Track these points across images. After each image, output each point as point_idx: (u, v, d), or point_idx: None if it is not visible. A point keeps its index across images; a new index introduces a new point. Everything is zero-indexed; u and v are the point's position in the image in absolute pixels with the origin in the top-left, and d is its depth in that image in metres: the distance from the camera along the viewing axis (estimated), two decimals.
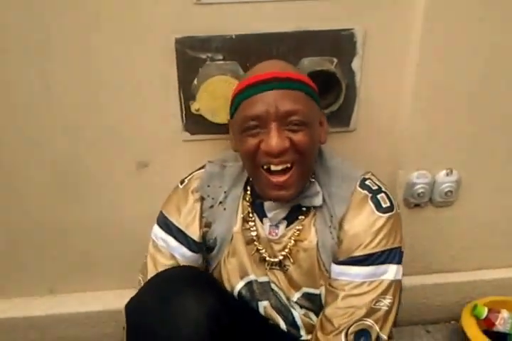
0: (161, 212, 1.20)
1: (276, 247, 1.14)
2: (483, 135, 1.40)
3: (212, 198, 1.16)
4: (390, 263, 1.07)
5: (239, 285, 1.17)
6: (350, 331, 1.04)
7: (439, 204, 1.49)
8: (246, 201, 1.16)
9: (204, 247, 1.18)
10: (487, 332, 1.48)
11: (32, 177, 1.39)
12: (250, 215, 1.15)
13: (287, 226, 1.13)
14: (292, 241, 1.12)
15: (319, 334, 1.07)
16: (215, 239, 1.16)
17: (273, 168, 1.01)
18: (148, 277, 1.14)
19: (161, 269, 1.13)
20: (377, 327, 1.05)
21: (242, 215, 1.15)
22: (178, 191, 1.19)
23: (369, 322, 1.05)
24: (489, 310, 1.50)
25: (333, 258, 1.09)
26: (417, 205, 1.48)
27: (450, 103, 1.34)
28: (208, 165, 1.19)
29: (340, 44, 1.24)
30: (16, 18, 1.19)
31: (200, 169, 1.21)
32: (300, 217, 1.12)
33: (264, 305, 1.17)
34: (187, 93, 1.26)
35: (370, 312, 1.05)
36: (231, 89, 1.14)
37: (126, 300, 1.55)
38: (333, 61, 1.24)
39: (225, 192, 1.15)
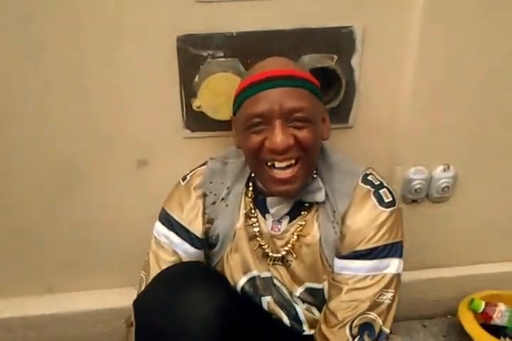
0: (163, 209, 1.20)
1: (279, 243, 1.14)
2: (480, 132, 1.42)
3: (215, 194, 1.17)
4: (393, 257, 1.09)
5: (242, 281, 1.17)
6: (354, 324, 1.06)
7: (436, 200, 1.50)
8: (248, 197, 1.16)
9: (206, 243, 1.19)
10: (484, 326, 1.50)
11: (30, 176, 1.39)
12: (253, 211, 1.15)
13: (290, 221, 1.13)
14: (295, 237, 1.13)
15: (323, 327, 1.08)
16: (218, 236, 1.17)
17: (277, 164, 1.02)
18: (151, 273, 1.15)
19: (163, 266, 1.13)
20: (380, 321, 1.07)
21: (244, 211, 1.16)
22: (180, 187, 1.20)
23: (372, 315, 1.07)
24: (486, 304, 1.52)
25: (336, 253, 1.11)
26: (414, 201, 1.49)
27: (448, 100, 1.36)
28: (209, 161, 1.19)
29: (339, 41, 1.26)
30: (15, 15, 1.18)
31: (201, 166, 1.21)
32: (303, 213, 1.13)
33: (267, 301, 1.18)
34: (188, 90, 1.27)
35: (374, 306, 1.06)
36: (232, 86, 1.15)
37: (125, 298, 1.56)
38: (333, 58, 1.25)
39: (227, 188, 1.16)
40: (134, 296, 1.42)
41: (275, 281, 1.17)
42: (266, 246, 1.15)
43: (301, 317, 1.18)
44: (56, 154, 1.36)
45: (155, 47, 1.23)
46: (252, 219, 1.15)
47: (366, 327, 1.06)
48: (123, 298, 1.57)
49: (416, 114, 1.37)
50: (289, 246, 1.13)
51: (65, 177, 1.40)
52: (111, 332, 1.60)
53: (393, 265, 1.08)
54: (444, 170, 1.44)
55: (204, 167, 1.20)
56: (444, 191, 1.47)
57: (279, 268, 1.16)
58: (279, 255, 1.14)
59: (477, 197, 1.53)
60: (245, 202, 1.16)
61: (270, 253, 1.15)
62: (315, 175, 1.11)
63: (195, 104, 1.22)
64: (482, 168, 1.48)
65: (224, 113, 1.22)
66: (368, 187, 1.10)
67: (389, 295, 1.08)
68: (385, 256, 1.08)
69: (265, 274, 1.17)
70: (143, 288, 1.18)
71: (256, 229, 1.15)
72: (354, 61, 1.28)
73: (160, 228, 1.19)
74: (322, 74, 1.19)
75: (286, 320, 1.18)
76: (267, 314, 1.18)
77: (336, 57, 1.25)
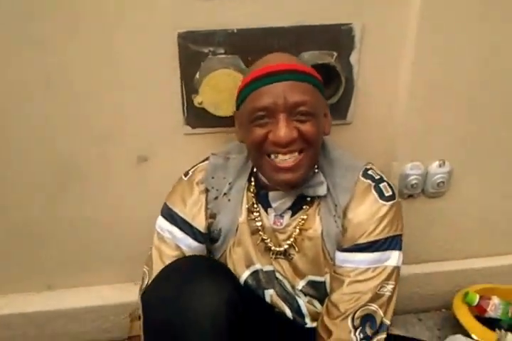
0: (165, 204, 1.21)
1: (281, 236, 1.16)
2: (475, 129, 1.45)
3: (217, 190, 1.18)
4: (393, 249, 1.11)
5: (245, 275, 1.19)
6: (356, 316, 1.08)
7: (431, 195, 1.53)
8: (250, 192, 1.17)
9: (208, 238, 1.20)
10: (479, 318, 1.53)
11: (30, 173, 1.39)
12: (255, 206, 1.17)
13: (292, 216, 1.15)
14: (297, 231, 1.14)
15: (326, 319, 1.10)
16: (220, 230, 1.18)
17: (281, 157, 1.03)
18: (154, 268, 1.16)
19: (166, 260, 1.14)
20: (381, 312, 1.09)
21: (246, 206, 1.17)
22: (183, 183, 1.21)
23: (374, 307, 1.09)
24: (480, 297, 1.55)
25: (338, 246, 1.12)
26: (410, 196, 1.52)
27: (444, 98, 1.38)
28: (211, 157, 1.20)
29: (338, 38, 1.27)
30: (15, 14, 1.19)
31: (203, 161, 1.22)
32: (305, 207, 1.14)
33: (270, 294, 1.19)
34: (189, 87, 1.28)
35: (375, 298, 1.09)
36: (234, 83, 1.17)
37: (125, 294, 1.59)
38: (333, 55, 1.27)
39: (229, 183, 1.17)
40: (134, 292, 1.44)
41: (277, 275, 1.18)
42: (268, 240, 1.16)
43: (304, 310, 1.19)
44: (56, 151, 1.37)
45: (156, 43, 1.24)
46: (255, 214, 1.17)
47: (368, 318, 1.09)
48: (122, 294, 1.58)
49: (412, 110, 1.39)
50: (292, 239, 1.15)
51: (65, 174, 1.40)
52: (110, 328, 1.61)
53: (393, 257, 1.11)
54: (440, 166, 1.47)
55: (206, 162, 1.21)
56: (439, 186, 1.49)
57: (281, 262, 1.18)
58: (281, 249, 1.16)
59: (471, 193, 1.56)
60: (247, 196, 1.18)
61: (272, 247, 1.16)
62: (316, 170, 1.12)
63: (197, 100, 1.24)
64: (477, 164, 1.51)
65: (225, 109, 1.23)
66: (369, 181, 1.12)
67: (389, 287, 1.10)
68: (386, 249, 1.10)
69: (268, 268, 1.18)
70: (146, 282, 1.19)
71: (258, 224, 1.16)
72: (353, 58, 1.30)
73: (163, 223, 1.20)
74: (322, 70, 1.20)
75: (288, 312, 1.19)
76: (269, 307, 1.20)
77: (335, 54, 1.27)
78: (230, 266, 1.19)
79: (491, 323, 1.52)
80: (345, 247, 1.11)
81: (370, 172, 1.14)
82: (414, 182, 1.47)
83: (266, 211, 1.17)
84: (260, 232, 1.17)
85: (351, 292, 1.09)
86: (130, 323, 1.23)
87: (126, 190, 1.45)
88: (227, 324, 0.95)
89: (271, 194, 1.15)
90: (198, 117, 1.32)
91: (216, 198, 1.18)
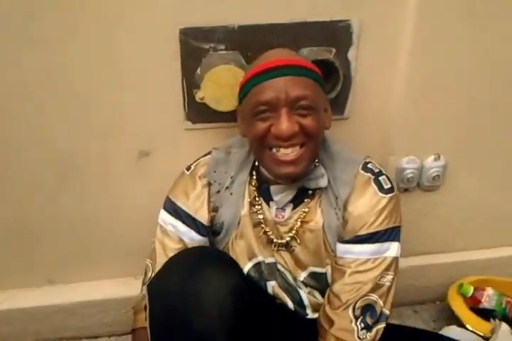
0: (168, 198, 1.23)
1: (283, 229, 1.18)
2: (469, 123, 1.48)
3: (219, 183, 1.20)
4: (392, 241, 1.13)
5: (247, 267, 1.21)
6: (357, 306, 1.11)
7: (427, 189, 1.56)
8: (252, 186, 1.19)
9: (211, 231, 1.22)
10: (473, 310, 1.56)
11: (31, 167, 1.40)
12: (257, 199, 1.19)
13: (293, 208, 1.17)
14: (299, 223, 1.16)
15: (327, 309, 1.13)
16: (222, 223, 1.20)
17: (283, 150, 1.05)
18: (158, 261, 1.18)
19: (170, 253, 1.15)
20: (381, 302, 1.12)
21: (248, 199, 1.19)
22: (185, 177, 1.22)
23: (374, 297, 1.11)
24: (475, 289, 1.58)
25: (339, 238, 1.15)
26: (406, 190, 1.55)
27: (439, 93, 1.41)
28: (213, 151, 1.22)
29: (337, 35, 1.30)
30: (15, 11, 1.19)
31: (205, 156, 1.24)
32: (306, 200, 1.16)
33: (272, 285, 1.21)
34: (190, 82, 1.29)
35: (375, 288, 1.11)
36: (235, 78, 1.19)
37: (125, 288, 1.60)
38: (332, 51, 1.29)
39: (231, 177, 1.19)
40: (134, 286, 1.46)
41: (279, 267, 1.21)
42: (270, 233, 1.19)
43: (305, 301, 1.22)
44: (57, 147, 1.37)
45: (158, 40, 1.25)
46: (256, 207, 1.19)
47: (368, 308, 1.11)
48: (123, 289, 1.59)
49: (408, 106, 1.42)
50: (293, 232, 1.17)
51: (66, 169, 1.41)
52: (111, 322, 1.62)
53: (393, 248, 1.13)
54: (435, 160, 1.50)
55: (208, 156, 1.22)
56: (434, 180, 1.52)
57: (283, 254, 1.20)
58: (283, 241, 1.18)
59: (466, 186, 1.59)
60: (249, 190, 1.20)
61: (274, 240, 1.19)
62: (317, 164, 1.15)
63: (199, 95, 1.25)
64: (471, 158, 1.54)
65: (226, 104, 1.25)
66: (369, 174, 1.14)
67: (389, 277, 1.13)
68: (385, 240, 1.12)
69: (269, 260, 1.21)
70: (149, 275, 1.21)
71: (260, 217, 1.19)
72: (351, 54, 1.32)
73: (166, 217, 1.21)
74: (320, 66, 1.22)
75: (290, 304, 1.22)
76: (271, 299, 1.22)
77: (334, 50, 1.29)
78: (233, 258, 1.21)
79: (485, 314, 1.55)
80: (346, 239, 1.13)
81: (369, 165, 1.16)
82: (410, 175, 1.50)
83: (268, 204, 1.19)
84: (262, 225, 1.19)
85: (352, 282, 1.11)
86: (134, 316, 1.23)
87: (126, 186, 1.46)
88: (234, 312, 0.96)
89: (272, 187, 1.17)
90: (198, 112, 1.33)
91: (218, 192, 1.20)
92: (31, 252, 1.53)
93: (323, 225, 1.15)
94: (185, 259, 1.04)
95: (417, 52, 1.34)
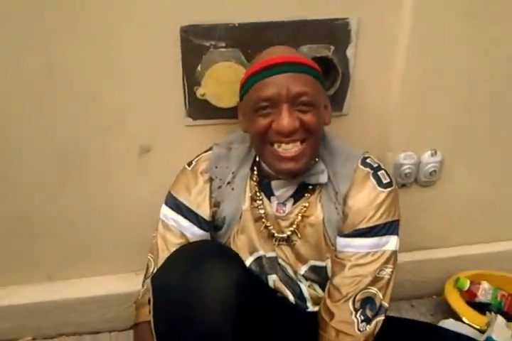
0: (169, 194, 1.24)
1: (284, 223, 1.20)
2: (465, 119, 1.50)
3: (220, 179, 1.21)
4: (391, 234, 1.16)
5: (248, 261, 1.22)
6: (357, 298, 1.13)
7: (423, 184, 1.58)
8: (253, 181, 1.21)
9: (213, 226, 1.23)
10: (469, 303, 1.58)
11: (32, 163, 1.40)
12: (258, 194, 1.20)
13: (294, 203, 1.19)
14: (299, 218, 1.18)
15: (328, 301, 1.15)
16: (224, 218, 1.22)
17: (284, 146, 1.07)
18: (160, 256, 1.19)
19: (172, 248, 1.16)
20: (380, 295, 1.14)
21: (250, 194, 1.21)
22: (187, 172, 1.24)
23: (373, 290, 1.14)
24: (471, 283, 1.61)
25: (338, 232, 1.17)
26: (403, 185, 1.57)
27: (436, 90, 1.43)
28: (214, 147, 1.23)
29: (335, 32, 1.31)
30: (14, 9, 1.20)
31: (206, 151, 1.25)
32: (306, 195, 1.18)
33: (273, 279, 1.23)
34: (191, 79, 1.31)
35: (375, 281, 1.13)
36: (235, 75, 1.21)
37: (126, 284, 1.61)
38: (330, 48, 1.31)
39: (232, 172, 1.21)
40: (135, 282, 1.47)
41: (280, 261, 1.22)
42: (271, 227, 1.20)
43: (305, 294, 1.24)
44: (57, 142, 1.38)
45: (159, 37, 1.27)
46: (258, 202, 1.20)
47: (368, 301, 1.13)
48: (123, 284, 1.60)
49: (405, 102, 1.44)
50: (294, 226, 1.19)
51: (67, 165, 1.42)
52: (112, 318, 1.63)
53: (392, 242, 1.16)
54: (432, 156, 1.52)
55: (209, 152, 1.24)
56: (431, 175, 1.54)
57: (283, 248, 1.22)
58: (284, 235, 1.20)
59: (462, 182, 1.61)
60: (250, 185, 1.21)
61: (275, 234, 1.20)
62: (317, 159, 1.16)
63: (199, 92, 1.27)
64: (467, 154, 1.56)
65: (226, 101, 1.27)
66: (368, 169, 1.16)
67: (388, 270, 1.15)
68: (384, 234, 1.15)
69: (270, 254, 1.22)
70: (151, 270, 1.22)
71: (261, 211, 1.20)
72: (349, 51, 1.34)
73: (167, 212, 1.23)
74: (319, 63, 1.24)
75: (291, 297, 1.23)
76: (272, 292, 1.24)
77: (332, 47, 1.31)
78: None
79: (481, 308, 1.57)
80: (345, 233, 1.15)
81: (368, 160, 1.18)
82: (407, 171, 1.52)
83: (269, 199, 1.20)
84: (263, 219, 1.20)
85: (352, 275, 1.13)
86: (136, 311, 1.24)
87: (127, 182, 1.47)
88: (237, 305, 0.97)
89: (273, 182, 1.18)
90: (199, 109, 1.35)
91: (220, 187, 1.21)
92: (32, 248, 1.54)
93: (323, 219, 1.17)
94: (188, 253, 1.05)
95: (414, 50, 1.36)
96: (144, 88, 1.33)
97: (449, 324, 1.51)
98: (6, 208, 1.46)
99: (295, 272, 1.23)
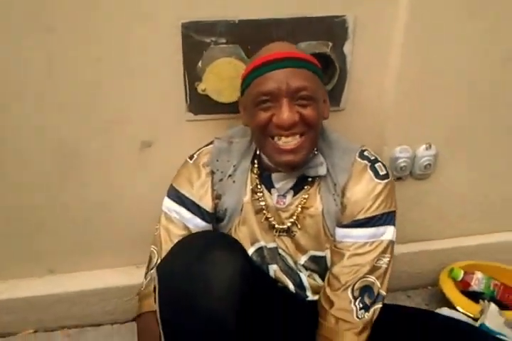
0: (172, 186, 1.26)
1: (284, 215, 1.23)
2: (459, 113, 1.54)
3: (222, 172, 1.24)
4: (388, 224, 1.19)
5: (250, 251, 1.25)
6: (355, 287, 1.16)
7: (418, 177, 1.62)
8: (254, 173, 1.24)
9: (215, 218, 1.26)
10: (463, 292, 1.63)
11: (33, 157, 1.41)
12: (258, 186, 1.23)
13: (294, 195, 1.22)
14: (299, 209, 1.21)
15: (327, 290, 1.18)
16: (226, 210, 1.25)
17: (284, 139, 1.10)
18: (163, 247, 1.22)
19: (175, 239, 1.18)
20: (378, 283, 1.18)
21: (251, 187, 1.24)
22: (189, 165, 1.26)
23: (371, 278, 1.17)
24: (465, 273, 1.65)
25: (337, 223, 1.20)
26: (399, 178, 1.60)
27: (430, 86, 1.47)
28: (216, 141, 1.26)
29: (333, 29, 1.35)
30: (15, 7, 1.22)
31: (207, 145, 1.28)
32: (306, 187, 1.21)
33: (274, 269, 1.26)
34: (191, 75, 1.33)
35: (373, 270, 1.17)
36: (235, 70, 1.24)
37: (127, 277, 1.63)
38: (328, 45, 1.34)
39: (233, 166, 1.24)
40: (136, 275, 1.49)
41: (280, 251, 1.25)
42: (272, 219, 1.23)
43: (305, 283, 1.27)
44: (59, 137, 1.40)
45: (160, 33, 1.29)
46: (258, 194, 1.23)
47: (366, 289, 1.17)
48: (124, 277, 1.61)
49: (401, 97, 1.48)
50: (294, 217, 1.22)
51: (68, 159, 1.43)
52: (113, 310, 1.65)
53: (389, 232, 1.19)
54: (426, 149, 1.56)
55: (210, 146, 1.27)
56: (426, 168, 1.58)
57: (284, 239, 1.25)
58: (284, 226, 1.23)
59: (455, 174, 1.65)
60: (251, 178, 1.24)
61: (276, 225, 1.23)
62: (316, 152, 1.20)
63: (201, 87, 1.29)
64: (461, 147, 1.60)
65: (227, 96, 1.30)
66: (365, 161, 1.20)
67: (385, 259, 1.19)
68: (382, 224, 1.18)
69: (271, 245, 1.25)
70: (154, 261, 1.24)
71: (262, 203, 1.23)
72: (346, 48, 1.38)
73: (170, 204, 1.25)
74: (318, 59, 1.27)
75: (291, 286, 1.27)
76: (273, 282, 1.27)
77: (330, 44, 1.34)
78: None
79: (475, 296, 1.61)
80: (344, 223, 1.19)
81: (365, 153, 1.22)
82: (402, 164, 1.56)
83: (269, 191, 1.23)
84: (264, 211, 1.23)
85: (351, 264, 1.17)
86: (139, 302, 1.27)
87: (128, 176, 1.48)
88: (241, 294, 1.00)
89: (274, 175, 1.21)
90: (200, 104, 1.37)
91: (221, 180, 1.24)
92: (32, 242, 1.55)
93: (322, 211, 1.20)
94: (192, 242, 1.07)
95: (409, 47, 1.39)
96: (146, 84, 1.35)
97: (444, 312, 1.54)
98: (6, 201, 1.47)
99: (295, 262, 1.26)
